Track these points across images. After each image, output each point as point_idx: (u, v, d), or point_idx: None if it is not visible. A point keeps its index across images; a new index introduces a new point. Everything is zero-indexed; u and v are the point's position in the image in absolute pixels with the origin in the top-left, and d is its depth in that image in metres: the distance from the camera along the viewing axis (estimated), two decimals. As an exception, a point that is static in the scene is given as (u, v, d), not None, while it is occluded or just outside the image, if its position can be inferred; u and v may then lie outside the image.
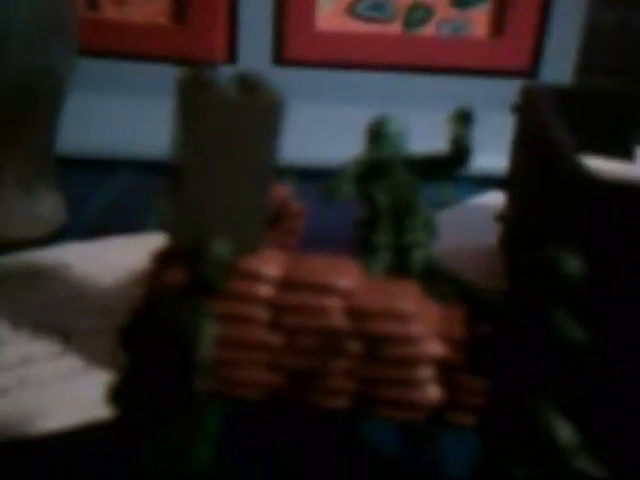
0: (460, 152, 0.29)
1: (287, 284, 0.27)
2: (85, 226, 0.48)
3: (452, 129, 0.29)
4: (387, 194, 0.30)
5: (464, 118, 0.29)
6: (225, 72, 0.26)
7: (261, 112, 0.26)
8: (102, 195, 0.53)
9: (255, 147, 0.27)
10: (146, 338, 0.22)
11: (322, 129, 0.61)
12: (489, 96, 0.59)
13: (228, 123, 0.26)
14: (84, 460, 0.29)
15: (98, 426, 0.30)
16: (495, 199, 0.48)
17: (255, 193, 0.28)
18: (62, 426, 0.30)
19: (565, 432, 0.21)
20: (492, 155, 0.51)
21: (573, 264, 0.20)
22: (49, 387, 0.32)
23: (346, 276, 0.27)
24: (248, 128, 0.26)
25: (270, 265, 0.27)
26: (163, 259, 0.28)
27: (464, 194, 0.54)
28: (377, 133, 0.30)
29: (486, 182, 0.54)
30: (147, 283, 0.28)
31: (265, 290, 0.27)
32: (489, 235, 0.44)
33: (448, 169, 0.30)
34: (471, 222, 0.49)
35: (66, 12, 0.44)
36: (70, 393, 0.32)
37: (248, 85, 0.28)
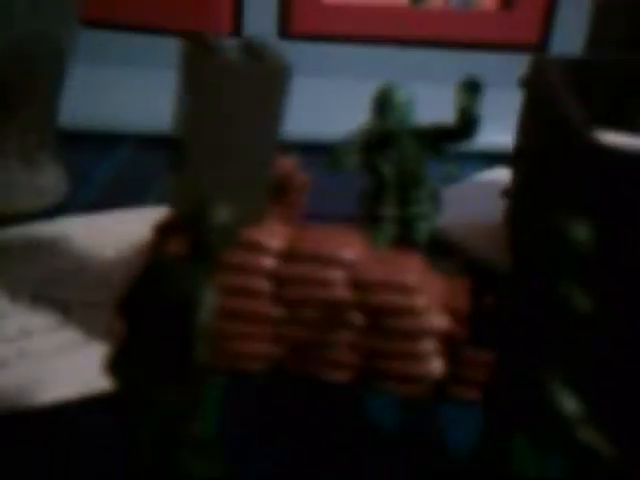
0: (468, 122, 0.29)
1: (290, 256, 0.27)
2: (87, 199, 0.48)
3: (460, 99, 0.29)
4: (393, 165, 0.30)
5: (472, 88, 0.29)
6: (232, 41, 0.26)
7: (267, 78, 0.26)
8: (105, 168, 0.53)
9: (260, 114, 0.26)
10: (145, 308, 0.22)
11: (329, 103, 0.61)
12: (498, 70, 0.58)
13: (233, 89, 0.26)
14: (83, 432, 0.29)
15: (97, 398, 0.30)
16: (501, 175, 0.47)
17: (259, 162, 0.27)
18: (61, 398, 0.30)
19: (570, 404, 0.21)
20: (501, 130, 0.50)
21: (582, 231, 0.19)
22: (48, 359, 0.32)
23: (350, 248, 0.27)
24: (253, 94, 0.26)
25: (273, 237, 0.27)
26: (165, 230, 0.28)
27: (470, 170, 0.54)
28: (383, 102, 0.30)
29: (494, 158, 0.54)
30: (148, 253, 0.27)
31: (268, 262, 0.27)
32: (495, 211, 0.44)
33: (455, 139, 0.29)
34: (477, 198, 0.48)
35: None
36: (69, 365, 0.32)
37: (254, 52, 0.27)
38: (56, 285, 0.37)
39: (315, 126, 0.59)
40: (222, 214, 0.21)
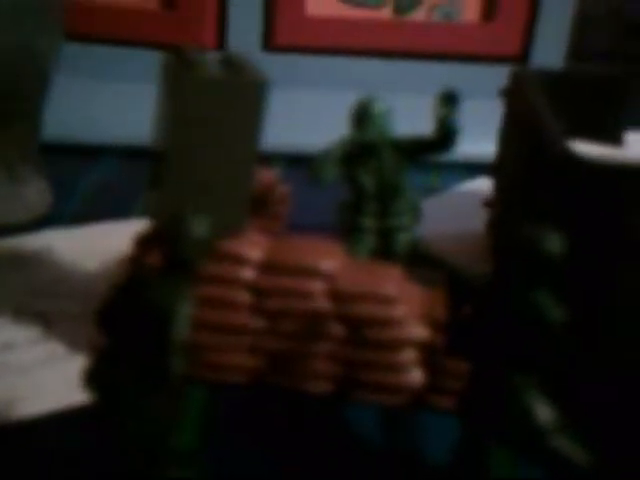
0: (446, 134, 0.29)
1: (270, 267, 0.27)
2: (70, 212, 0.48)
3: (438, 111, 0.29)
4: (372, 176, 0.30)
5: (450, 100, 0.29)
6: (211, 56, 0.26)
7: (245, 91, 0.26)
8: (88, 181, 0.53)
9: (239, 127, 0.26)
10: (124, 320, 0.22)
11: (312, 115, 0.61)
12: (480, 81, 0.58)
13: (212, 102, 0.26)
14: (65, 445, 0.29)
15: (79, 410, 0.30)
16: (483, 185, 0.48)
17: (239, 175, 0.27)
18: (43, 411, 0.30)
19: (544, 413, 0.21)
20: (482, 141, 0.51)
21: (554, 243, 0.20)
22: (30, 372, 0.32)
23: (329, 259, 0.27)
24: (232, 107, 0.26)
25: (253, 248, 0.27)
26: (145, 242, 0.28)
27: (453, 181, 0.54)
28: (362, 114, 0.30)
29: (476, 169, 0.54)
30: (127, 266, 0.27)
31: (248, 273, 0.27)
32: (477, 221, 0.44)
33: (434, 151, 0.30)
34: (459, 209, 0.49)
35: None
36: (51, 378, 0.32)
37: (233, 66, 0.27)
38: (39, 298, 0.37)
39: (300, 138, 0.59)
40: (199, 227, 0.21)
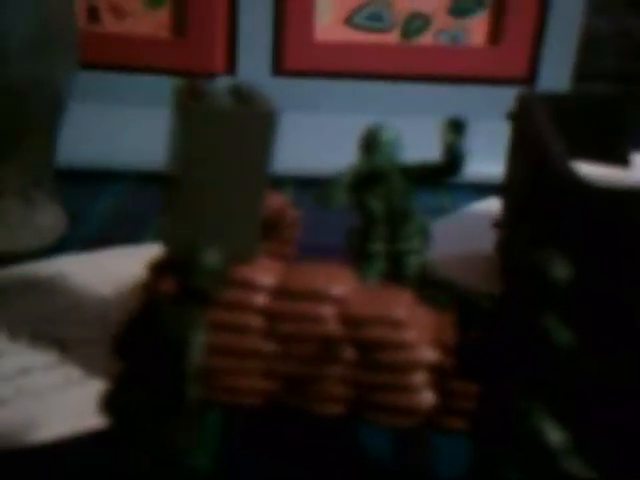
0: (453, 160, 0.30)
1: (281, 292, 0.27)
2: (84, 237, 0.48)
3: (445, 137, 0.30)
4: (381, 202, 0.30)
5: (457, 126, 0.29)
6: (223, 83, 0.26)
7: (255, 122, 0.27)
8: (101, 206, 0.54)
9: (249, 157, 0.27)
10: (140, 346, 0.22)
11: (321, 139, 0.62)
12: (487, 104, 0.59)
13: (222, 132, 0.26)
14: (80, 469, 0.29)
15: (94, 435, 0.30)
16: (493, 206, 0.48)
17: (249, 203, 0.28)
18: (59, 435, 0.30)
19: (554, 434, 0.21)
20: (490, 162, 0.51)
21: (561, 268, 0.20)
22: (46, 397, 0.33)
23: (340, 283, 0.27)
24: (242, 138, 0.27)
25: (265, 274, 0.27)
26: (159, 269, 0.29)
27: (462, 202, 0.54)
28: (371, 141, 0.30)
29: (485, 189, 0.54)
30: (142, 293, 0.28)
31: (260, 299, 0.27)
32: (486, 242, 0.44)
33: (441, 177, 0.30)
34: (469, 230, 0.49)
35: (66, 24, 0.44)
36: (67, 403, 0.32)
37: (242, 96, 0.28)
38: (54, 323, 0.38)
39: (307, 161, 0.59)
40: (211, 257, 0.21)
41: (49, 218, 0.47)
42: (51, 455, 0.30)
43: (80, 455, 0.30)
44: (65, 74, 0.45)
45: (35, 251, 0.45)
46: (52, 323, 0.38)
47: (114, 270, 0.43)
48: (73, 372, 0.34)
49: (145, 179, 0.57)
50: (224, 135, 0.26)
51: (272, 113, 0.26)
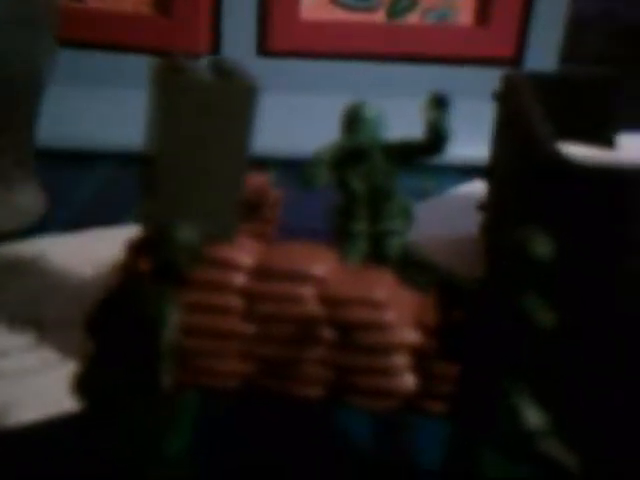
0: (436, 138, 0.29)
1: (261, 272, 0.27)
2: (64, 219, 0.48)
3: (428, 114, 0.29)
4: (363, 181, 0.30)
5: (439, 103, 0.29)
6: (202, 61, 0.26)
7: (235, 96, 0.26)
8: (82, 188, 0.53)
9: (229, 133, 0.26)
10: (113, 325, 0.22)
11: (307, 119, 0.61)
12: (474, 84, 0.58)
13: (201, 107, 0.26)
14: (57, 451, 0.29)
15: (72, 417, 0.30)
16: (477, 188, 0.48)
17: (229, 180, 0.27)
18: (35, 418, 0.30)
19: (534, 416, 0.21)
20: (476, 144, 0.51)
21: (543, 245, 0.20)
22: (23, 379, 0.32)
23: (320, 263, 0.27)
24: (221, 113, 0.26)
25: (244, 253, 0.27)
26: (137, 248, 0.28)
27: (447, 184, 0.54)
28: (353, 118, 0.30)
29: (469, 171, 0.54)
30: (119, 272, 0.27)
31: (239, 279, 0.27)
32: (471, 224, 0.44)
33: (424, 155, 0.30)
34: (453, 212, 0.49)
35: (45, 1, 0.44)
36: (44, 385, 0.32)
37: (223, 71, 0.27)
38: (33, 305, 0.37)
39: (292, 142, 0.59)
40: (187, 233, 0.21)
41: (28, 199, 0.46)
42: (27, 438, 0.29)
43: (57, 437, 0.29)
44: (44, 52, 0.44)
45: (14, 232, 0.44)
46: (30, 304, 0.37)
47: (94, 251, 0.42)
48: (50, 354, 0.34)
49: (126, 160, 0.56)
50: (204, 109, 0.25)
51: (253, 87, 0.26)
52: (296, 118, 0.61)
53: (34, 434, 0.30)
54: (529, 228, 0.20)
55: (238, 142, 0.27)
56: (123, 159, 0.57)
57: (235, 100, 0.26)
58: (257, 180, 0.33)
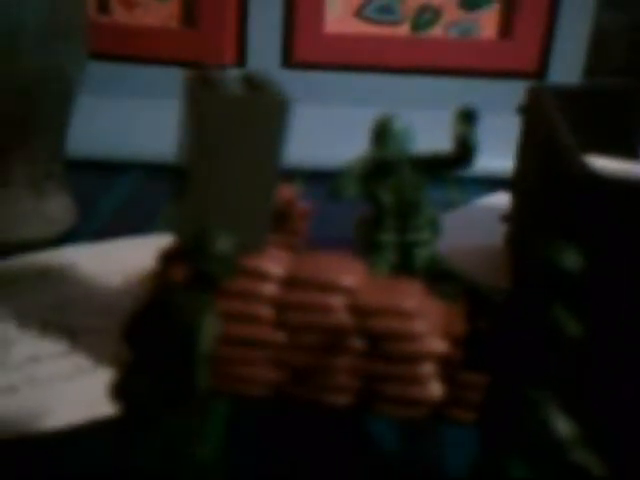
0: (464, 151, 0.30)
1: (291, 282, 0.27)
2: (94, 228, 0.49)
3: (456, 128, 0.30)
4: (392, 193, 0.30)
5: (468, 117, 0.29)
6: (235, 73, 0.26)
7: (266, 110, 0.27)
8: (111, 197, 0.54)
9: (260, 145, 0.27)
10: (149, 334, 0.22)
11: (331, 131, 0.62)
12: (497, 98, 0.59)
13: (233, 121, 0.26)
14: (90, 456, 0.29)
15: (104, 423, 0.30)
16: (502, 200, 0.48)
17: (260, 192, 0.28)
18: (69, 423, 0.31)
19: (563, 426, 0.21)
20: (500, 156, 0.51)
21: (572, 258, 0.20)
22: (56, 385, 0.33)
23: (350, 274, 0.27)
24: (253, 126, 0.27)
25: (275, 264, 0.27)
26: (169, 258, 0.29)
27: (471, 196, 0.54)
28: (382, 132, 0.30)
29: (494, 183, 0.54)
30: (152, 281, 0.28)
31: (270, 288, 0.27)
32: (495, 236, 0.44)
33: (452, 168, 0.30)
34: (478, 223, 0.49)
35: (76, 14, 0.44)
36: (77, 391, 0.32)
37: (254, 85, 0.28)
38: (64, 312, 0.38)
39: (317, 153, 0.59)
40: (223, 243, 0.21)
41: (59, 209, 0.47)
42: (61, 443, 0.30)
43: (89, 443, 0.30)
44: (75, 65, 0.45)
45: (45, 241, 0.45)
46: (62, 312, 0.38)
47: (123, 260, 0.43)
48: (83, 361, 0.34)
49: (155, 170, 0.57)
50: (236, 123, 0.26)
51: (284, 101, 0.26)
52: (319, 129, 0.62)
53: (66, 439, 0.30)
54: (558, 241, 0.20)
55: (269, 154, 0.27)
56: (151, 169, 0.58)
57: (267, 113, 0.27)
58: (285, 192, 0.34)
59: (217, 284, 0.22)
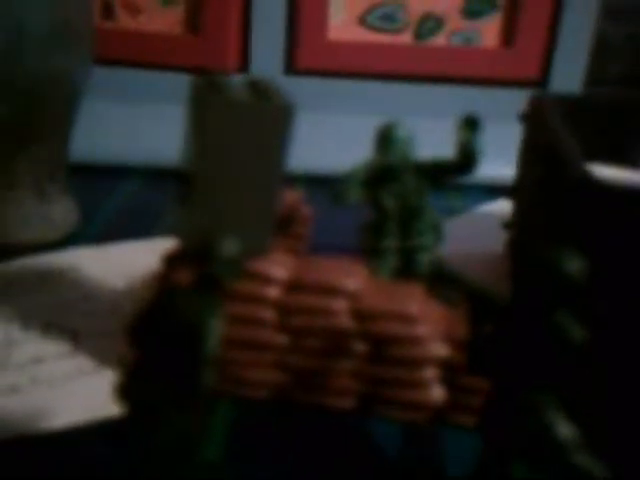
0: (467, 158, 0.30)
1: (294, 286, 0.27)
2: (96, 231, 0.49)
3: (460, 135, 0.30)
4: (394, 199, 0.31)
5: (472, 124, 0.29)
6: (239, 79, 0.27)
7: (271, 115, 0.27)
8: (114, 201, 0.54)
9: (265, 151, 0.27)
10: (154, 335, 0.23)
11: (333, 138, 0.62)
12: (499, 106, 0.59)
13: (238, 126, 0.26)
14: (92, 457, 0.29)
15: (106, 423, 0.31)
16: (503, 207, 0.48)
17: (264, 196, 0.28)
18: (71, 423, 0.31)
19: (565, 429, 0.21)
20: (502, 164, 0.51)
21: (574, 264, 0.20)
22: (59, 386, 0.33)
23: (352, 278, 0.27)
24: (258, 131, 0.27)
25: (278, 267, 0.28)
26: (172, 261, 0.29)
27: (473, 202, 0.55)
28: (385, 138, 0.30)
29: (495, 190, 0.55)
30: (156, 283, 0.28)
31: (273, 292, 0.27)
32: (497, 242, 0.45)
33: (456, 174, 0.30)
34: (479, 229, 0.49)
35: (81, 19, 0.45)
36: (79, 391, 0.33)
37: (259, 90, 0.28)
38: (67, 314, 0.38)
39: (320, 160, 0.60)
40: (228, 246, 0.22)
41: (62, 211, 0.47)
42: (63, 443, 0.30)
43: (92, 443, 0.30)
44: (80, 70, 0.45)
45: (48, 244, 0.45)
46: (65, 314, 0.38)
47: (126, 263, 0.43)
48: (85, 362, 0.35)
49: (158, 174, 0.57)
50: (241, 128, 0.26)
51: (289, 107, 0.26)
52: (322, 136, 0.62)
53: (68, 440, 0.30)
54: (560, 246, 0.21)
55: (274, 160, 0.27)
56: (153, 173, 0.58)
57: (272, 119, 0.27)
58: (289, 197, 0.34)
59: (222, 287, 0.22)
